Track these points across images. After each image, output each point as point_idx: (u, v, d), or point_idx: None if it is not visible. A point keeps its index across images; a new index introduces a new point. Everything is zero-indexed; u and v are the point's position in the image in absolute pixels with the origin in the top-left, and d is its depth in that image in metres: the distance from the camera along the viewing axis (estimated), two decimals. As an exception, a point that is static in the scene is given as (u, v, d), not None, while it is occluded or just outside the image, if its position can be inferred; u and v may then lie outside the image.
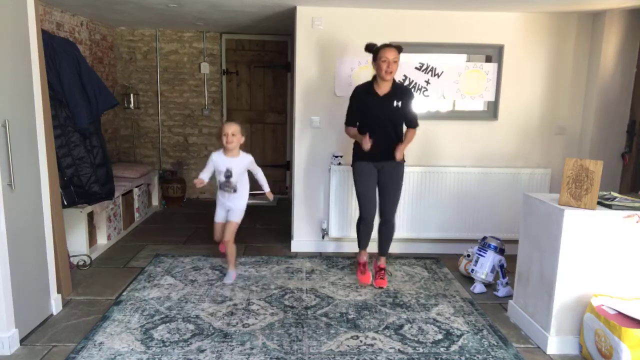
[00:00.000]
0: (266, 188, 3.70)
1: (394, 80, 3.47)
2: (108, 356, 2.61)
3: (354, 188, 3.68)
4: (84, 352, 2.64)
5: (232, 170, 3.47)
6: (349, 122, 3.58)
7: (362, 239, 3.71)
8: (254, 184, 3.72)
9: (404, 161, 3.58)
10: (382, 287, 3.59)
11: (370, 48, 3.41)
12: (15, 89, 2.71)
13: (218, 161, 3.51)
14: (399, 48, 3.38)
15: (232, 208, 3.58)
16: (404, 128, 3.56)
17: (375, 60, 3.39)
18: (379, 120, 3.43)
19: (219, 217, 3.67)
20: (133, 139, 6.22)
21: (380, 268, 3.70)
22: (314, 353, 2.69)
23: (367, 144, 3.34)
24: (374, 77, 3.47)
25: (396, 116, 3.44)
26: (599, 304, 2.61)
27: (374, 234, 3.74)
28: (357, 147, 3.56)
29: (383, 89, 3.44)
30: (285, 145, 6.44)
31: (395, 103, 3.43)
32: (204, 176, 3.54)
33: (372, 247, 3.79)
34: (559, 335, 2.78)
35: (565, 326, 2.77)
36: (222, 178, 3.46)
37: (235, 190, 3.50)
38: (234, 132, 3.44)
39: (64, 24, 4.65)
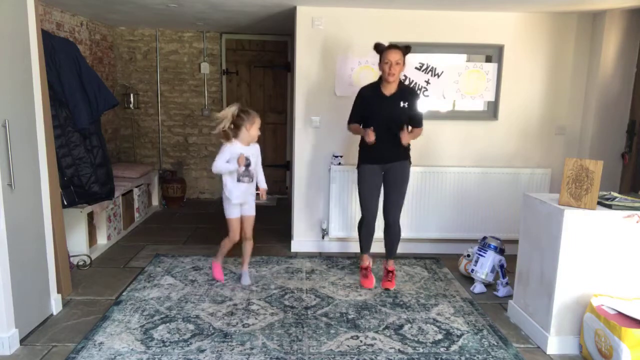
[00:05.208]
0: (262, 184, 3.60)
1: (400, 81, 3.46)
2: (108, 356, 2.61)
3: (354, 188, 3.68)
4: (84, 352, 2.65)
5: (250, 158, 3.44)
6: (352, 119, 3.56)
7: (364, 242, 3.69)
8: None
9: (410, 162, 3.56)
10: (388, 289, 3.58)
11: (377, 48, 3.39)
12: (15, 89, 2.71)
13: (236, 151, 3.40)
14: (405, 49, 3.35)
15: (249, 201, 3.54)
16: (409, 129, 3.50)
17: (379, 61, 3.38)
18: (386, 120, 3.39)
19: (235, 212, 3.54)
20: (133, 139, 6.22)
21: (389, 270, 3.68)
22: (314, 353, 2.69)
23: (371, 136, 3.30)
24: (380, 78, 3.45)
25: (402, 117, 3.41)
26: (599, 304, 2.61)
27: (378, 235, 3.73)
28: (363, 149, 3.54)
29: (389, 89, 3.41)
30: (285, 145, 6.44)
31: (402, 104, 3.40)
32: (222, 162, 3.41)
33: (375, 247, 3.78)
34: (559, 335, 2.78)
35: (565, 326, 2.77)
36: (241, 168, 3.40)
37: (252, 179, 3.49)
38: (260, 127, 3.48)
39: (64, 24, 4.65)
